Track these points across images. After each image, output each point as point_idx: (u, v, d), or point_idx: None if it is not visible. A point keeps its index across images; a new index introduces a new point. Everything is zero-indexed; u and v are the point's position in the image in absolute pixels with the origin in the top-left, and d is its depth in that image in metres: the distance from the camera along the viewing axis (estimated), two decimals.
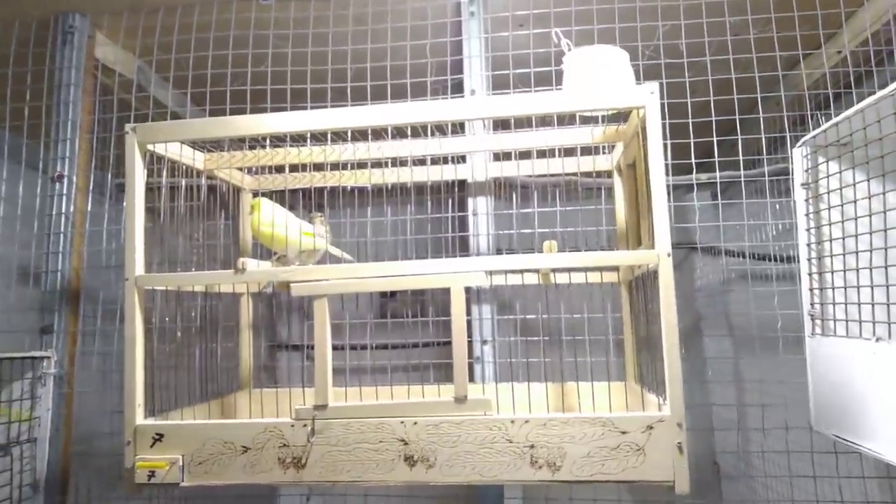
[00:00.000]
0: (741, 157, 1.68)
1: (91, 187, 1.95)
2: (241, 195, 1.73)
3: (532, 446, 1.12)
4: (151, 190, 1.59)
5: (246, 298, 1.70)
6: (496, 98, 1.21)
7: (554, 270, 1.37)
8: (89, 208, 1.92)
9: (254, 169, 1.75)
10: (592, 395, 1.37)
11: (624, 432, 1.10)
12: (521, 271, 1.37)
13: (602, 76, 1.24)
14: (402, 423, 1.15)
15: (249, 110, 1.67)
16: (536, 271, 1.53)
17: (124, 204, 1.26)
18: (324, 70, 1.84)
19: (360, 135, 1.58)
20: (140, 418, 1.22)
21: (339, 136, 1.55)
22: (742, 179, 1.69)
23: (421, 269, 1.18)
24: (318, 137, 1.56)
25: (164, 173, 1.34)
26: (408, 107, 1.21)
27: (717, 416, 2.46)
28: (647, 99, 1.15)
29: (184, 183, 1.45)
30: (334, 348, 1.55)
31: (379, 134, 1.56)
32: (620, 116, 1.41)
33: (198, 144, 1.49)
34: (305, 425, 1.17)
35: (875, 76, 1.91)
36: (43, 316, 1.82)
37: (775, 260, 1.99)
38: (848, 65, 1.88)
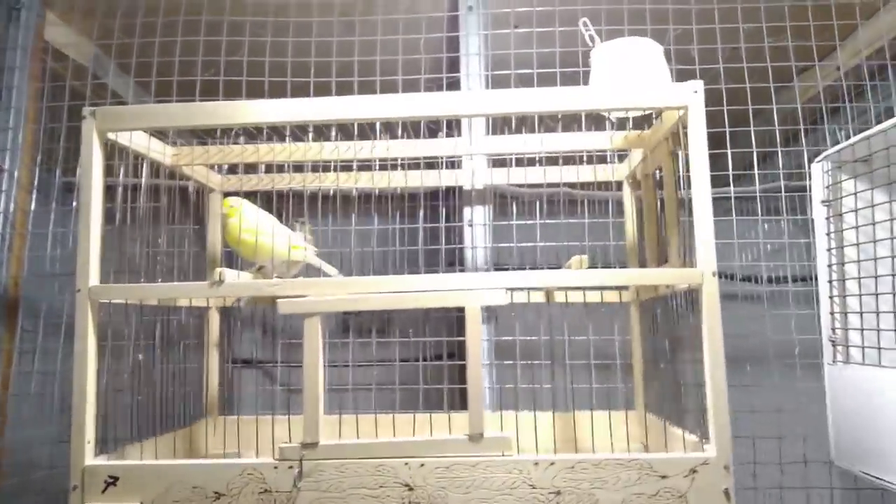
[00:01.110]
0: (756, 171, 1.58)
1: (36, 185, 1.72)
2: (209, 197, 1.54)
3: (558, 492, 0.96)
4: (109, 188, 1.40)
5: (213, 313, 1.51)
6: (511, 92, 1.06)
7: (583, 289, 1.23)
8: (32, 208, 1.69)
9: (224, 168, 1.56)
10: (610, 427, 1.23)
11: (664, 476, 0.96)
12: (545, 289, 1.22)
13: (635, 72, 1.11)
14: (406, 464, 0.98)
15: None
16: (540, 289, 1.39)
17: (74, 203, 1.07)
18: (306, 63, 1.66)
19: (344, 134, 1.42)
20: (90, 457, 1.02)
21: (321, 134, 1.39)
22: (758, 195, 1.58)
23: (431, 285, 1.02)
24: (299, 135, 1.39)
25: (123, 168, 1.15)
26: (406, 99, 1.05)
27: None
28: (691, 98, 1.02)
29: (144, 180, 1.26)
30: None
31: (365, 133, 1.40)
32: (643, 121, 1.29)
33: (164, 137, 1.30)
34: (291, 467, 0.99)
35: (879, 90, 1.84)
36: None
37: (769, 281, 1.90)
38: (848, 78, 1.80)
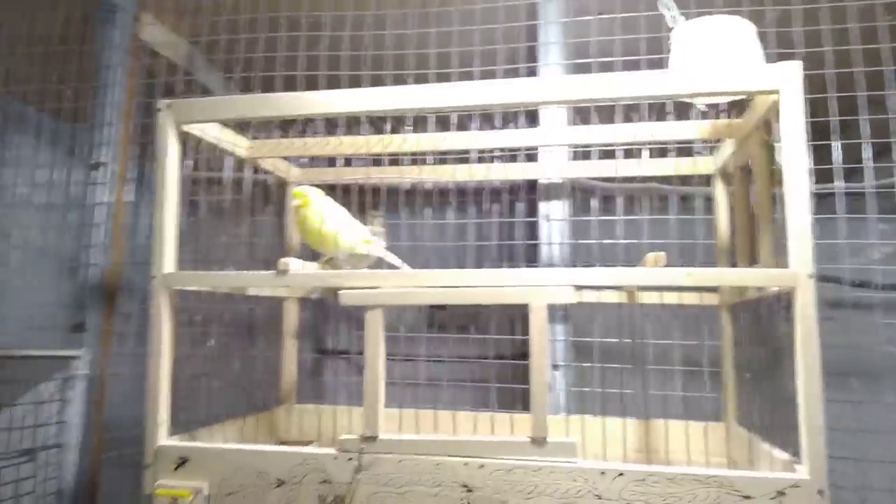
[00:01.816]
0: (869, 165, 1.42)
1: (134, 177, 1.81)
2: (287, 189, 1.56)
3: None
4: (195, 182, 1.44)
5: (290, 304, 1.53)
6: (584, 77, 1.00)
7: (660, 289, 1.15)
8: (132, 199, 1.78)
9: (302, 161, 1.58)
10: (687, 438, 1.14)
11: (746, 497, 0.87)
12: (618, 288, 1.15)
13: (722, 53, 1.02)
14: (465, 464, 0.95)
15: None
16: (619, 288, 1.32)
17: (158, 184, 1.10)
18: (382, 56, 1.65)
19: (419, 126, 1.40)
20: (163, 438, 1.05)
21: (396, 126, 1.38)
22: (866, 190, 1.43)
23: (494, 280, 0.98)
24: (376, 125, 1.38)
25: (203, 161, 1.18)
26: (479, 86, 1.02)
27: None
28: (786, 81, 0.93)
29: (225, 173, 1.29)
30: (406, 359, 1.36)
31: (442, 124, 1.37)
32: (732, 108, 1.19)
33: (241, 129, 1.33)
34: (351, 459, 0.98)
35: None
36: (77, 313, 1.68)
37: (883, 288, 1.72)
38: None
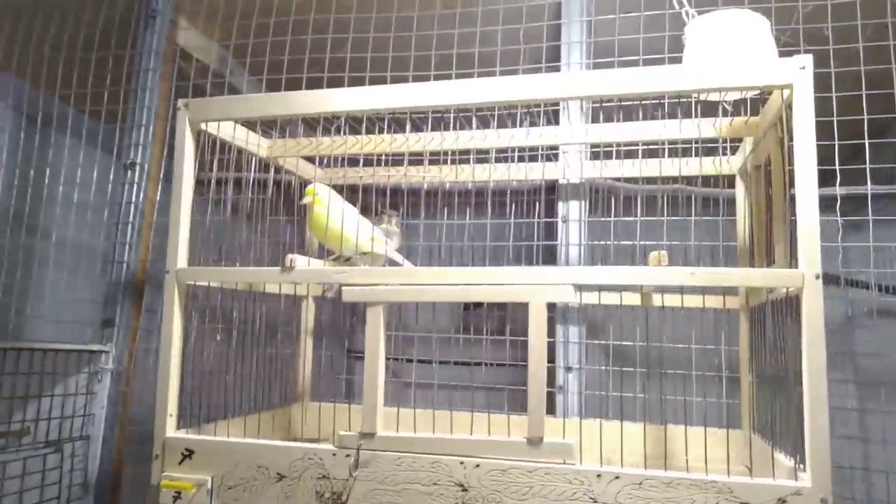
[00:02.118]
0: None
1: (163, 175, 1.87)
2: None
3: None
4: (220, 183, 1.48)
5: (307, 302, 1.56)
6: (592, 73, 0.99)
7: (661, 290, 1.12)
8: (159, 198, 1.84)
9: (325, 161, 1.61)
10: (705, 445, 1.11)
11: None
12: (620, 288, 1.13)
13: (734, 47, 0.99)
14: (461, 463, 0.94)
15: None
16: (638, 289, 1.29)
17: (174, 181, 1.13)
18: (406, 57, 1.67)
19: (440, 125, 1.40)
20: (171, 430, 1.08)
21: (416, 125, 1.38)
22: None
23: (495, 278, 0.97)
24: (398, 124, 1.39)
25: (214, 159, 1.20)
26: (488, 83, 1.01)
27: (840, 479, 2.10)
28: (797, 76, 0.90)
29: (251, 174, 1.32)
30: (408, 361, 1.37)
31: (461, 125, 1.37)
32: (743, 105, 1.15)
33: (261, 128, 1.35)
34: (349, 455, 0.98)
35: None
36: (107, 308, 1.74)
37: None
38: None
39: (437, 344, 1.62)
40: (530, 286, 0.95)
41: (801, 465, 0.86)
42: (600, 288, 1.25)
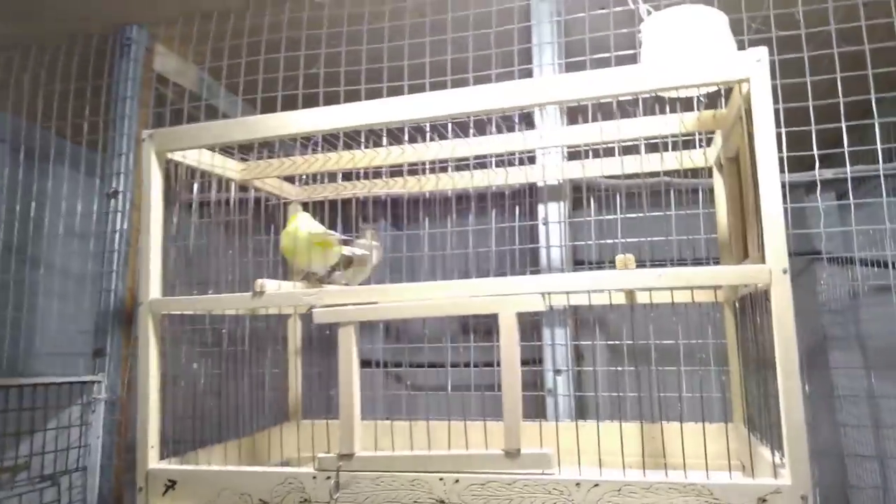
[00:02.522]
0: (879, 146, 1.35)
1: None
2: (288, 208, 1.59)
3: None
4: (205, 205, 1.48)
5: (293, 320, 1.55)
6: (553, 79, 0.99)
7: (629, 290, 1.11)
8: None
9: (304, 178, 1.60)
10: (683, 442, 1.10)
11: None
12: (587, 292, 1.12)
13: (691, 44, 0.98)
14: (441, 479, 0.93)
15: None
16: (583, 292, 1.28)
17: (142, 212, 1.13)
18: (379, 69, 1.66)
19: (416, 135, 1.39)
20: (153, 461, 1.08)
21: (393, 137, 1.38)
22: (881, 173, 1.35)
23: (464, 291, 0.96)
24: (373, 138, 1.39)
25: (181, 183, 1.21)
26: (446, 95, 1.01)
27: (848, 440, 2.07)
28: (753, 69, 0.89)
29: (221, 196, 1.32)
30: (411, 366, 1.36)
31: (435, 130, 1.37)
32: (719, 97, 1.14)
33: (232, 152, 1.35)
34: (329, 478, 0.98)
35: None
36: (96, 338, 1.75)
37: None
38: None
39: (430, 349, 1.61)
40: (499, 297, 0.94)
41: (783, 461, 0.85)
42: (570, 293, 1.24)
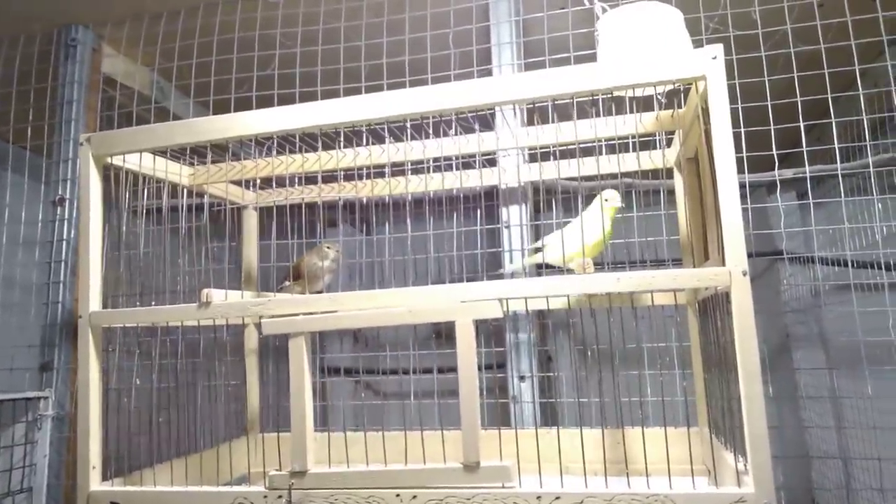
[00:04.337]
0: (837, 145, 1.35)
1: None
2: (243, 213, 1.54)
3: None
4: (154, 211, 1.42)
5: (251, 330, 1.50)
6: (509, 78, 0.96)
7: (588, 295, 1.09)
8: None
9: (257, 182, 1.55)
10: (644, 448, 1.08)
11: None
12: (546, 297, 1.09)
13: (646, 42, 0.96)
14: (397, 495, 0.90)
15: None
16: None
17: (80, 220, 1.07)
18: (336, 69, 1.62)
19: (373, 137, 1.35)
20: (95, 483, 1.02)
21: (349, 139, 1.34)
22: (839, 172, 1.36)
23: (420, 298, 0.93)
24: (327, 141, 1.35)
25: (130, 189, 1.15)
26: (399, 95, 0.97)
27: (813, 440, 2.09)
28: (709, 67, 0.87)
29: (165, 200, 1.26)
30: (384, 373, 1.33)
31: (393, 135, 1.33)
32: (677, 97, 1.13)
33: (182, 155, 1.30)
34: (281, 496, 0.93)
35: None
36: (43, 352, 1.67)
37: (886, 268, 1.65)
38: None
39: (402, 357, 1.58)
40: (456, 304, 0.91)
41: (746, 468, 0.83)
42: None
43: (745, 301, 0.82)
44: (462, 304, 0.90)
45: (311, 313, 0.97)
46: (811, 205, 1.37)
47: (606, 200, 1.13)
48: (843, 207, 1.37)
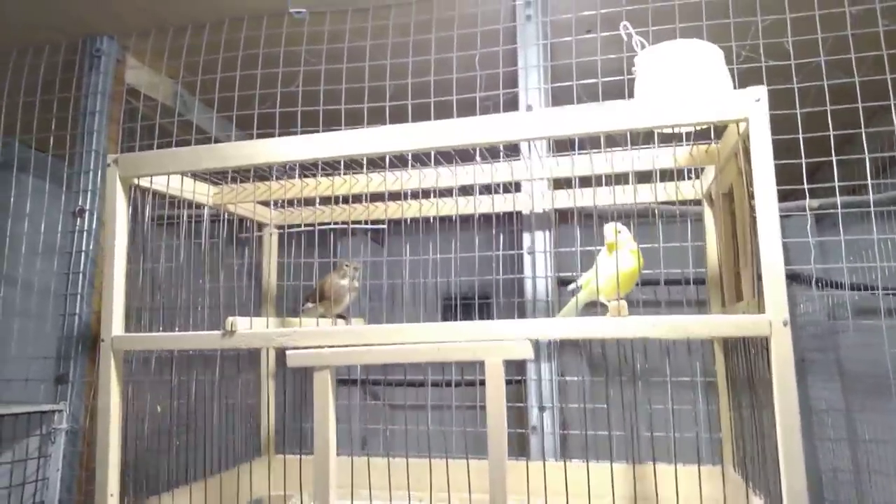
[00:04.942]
0: (870, 181, 1.33)
1: None
2: (263, 230, 1.52)
3: None
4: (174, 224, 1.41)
5: (269, 350, 1.49)
6: (542, 113, 0.94)
7: (619, 339, 1.07)
8: None
9: (280, 202, 1.54)
10: (676, 487, 1.05)
11: None
12: (580, 344, 1.08)
13: (687, 80, 0.94)
14: None
15: (279, 133, 1.46)
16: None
17: (105, 242, 1.06)
18: (360, 88, 1.61)
19: (397, 160, 1.34)
20: None
21: (373, 162, 1.32)
22: (872, 209, 1.33)
23: (447, 335, 0.91)
24: (351, 164, 1.33)
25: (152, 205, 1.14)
26: (426, 128, 0.96)
27: (827, 481, 2.06)
28: (752, 109, 0.85)
29: (185, 216, 1.25)
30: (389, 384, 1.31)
31: (417, 158, 1.32)
32: (713, 131, 1.11)
33: (221, 175, 1.29)
34: None
35: None
36: (59, 364, 1.66)
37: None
38: None
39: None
40: (486, 343, 0.89)
41: None
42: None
43: (786, 352, 0.80)
44: (492, 342, 0.88)
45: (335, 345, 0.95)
46: (842, 241, 1.34)
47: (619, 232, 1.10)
48: (875, 244, 1.34)
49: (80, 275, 1.68)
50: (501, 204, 1.44)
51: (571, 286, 1.12)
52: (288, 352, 0.95)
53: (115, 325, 1.04)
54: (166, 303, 1.36)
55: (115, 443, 1.02)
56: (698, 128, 0.93)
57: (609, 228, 1.07)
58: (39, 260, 1.75)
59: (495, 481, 0.86)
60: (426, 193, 1.47)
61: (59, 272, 1.70)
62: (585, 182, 1.39)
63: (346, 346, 0.94)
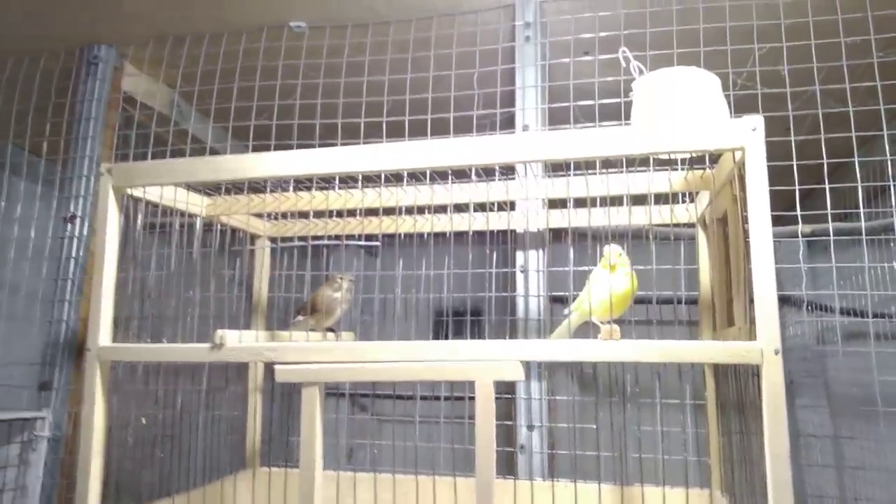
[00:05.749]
0: (863, 209, 1.34)
1: None
2: (256, 244, 1.52)
3: None
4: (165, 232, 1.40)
5: (254, 363, 1.48)
6: (539, 136, 0.94)
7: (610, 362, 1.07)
8: None
9: (272, 216, 1.53)
10: None
11: None
12: (570, 363, 1.07)
13: (684, 107, 0.95)
14: None
15: (275, 146, 1.46)
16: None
17: (96, 251, 1.05)
18: (358, 103, 1.61)
19: (392, 176, 1.34)
20: None
21: (370, 179, 1.32)
22: (864, 237, 1.34)
23: (439, 354, 0.91)
24: (345, 178, 1.33)
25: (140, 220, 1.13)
26: (423, 147, 0.95)
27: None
28: (748, 138, 0.85)
29: (177, 225, 1.24)
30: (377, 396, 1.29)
31: (413, 174, 1.32)
32: (708, 157, 1.11)
33: (196, 187, 1.28)
34: None
35: None
36: (43, 370, 1.64)
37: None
38: None
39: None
40: (477, 364, 0.88)
41: None
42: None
43: (777, 381, 0.80)
44: (483, 363, 0.88)
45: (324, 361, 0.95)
46: (834, 268, 1.34)
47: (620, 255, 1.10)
48: (866, 272, 1.35)
49: (69, 281, 1.66)
50: (496, 221, 1.44)
51: (566, 311, 1.12)
52: (276, 367, 0.95)
53: (102, 334, 1.03)
54: (155, 312, 1.35)
55: (98, 453, 1.01)
56: (694, 154, 0.94)
57: (612, 251, 1.07)
58: (28, 264, 1.73)
59: (482, 501, 0.85)
60: (420, 209, 1.47)
61: (48, 277, 1.68)
62: (580, 202, 1.39)
63: (336, 362, 0.93)
